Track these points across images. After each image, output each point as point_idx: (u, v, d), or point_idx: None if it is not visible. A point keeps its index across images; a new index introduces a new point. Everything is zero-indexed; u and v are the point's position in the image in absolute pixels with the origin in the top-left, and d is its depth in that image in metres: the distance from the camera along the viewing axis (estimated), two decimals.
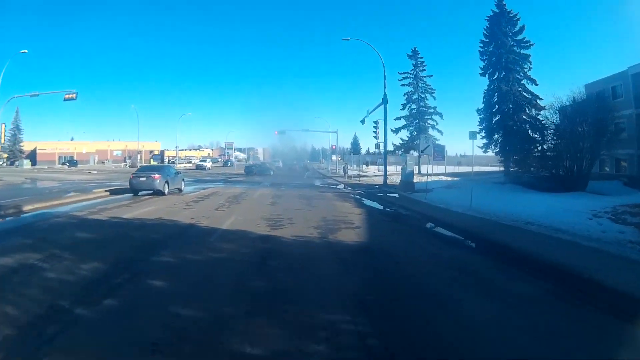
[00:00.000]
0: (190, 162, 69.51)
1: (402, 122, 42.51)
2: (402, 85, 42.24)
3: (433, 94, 42.27)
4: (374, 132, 28.14)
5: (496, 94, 28.56)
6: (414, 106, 42.12)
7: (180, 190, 17.55)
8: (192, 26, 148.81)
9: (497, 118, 28.72)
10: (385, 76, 23.26)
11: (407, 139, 42.11)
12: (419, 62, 42.08)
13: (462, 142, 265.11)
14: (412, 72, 42.07)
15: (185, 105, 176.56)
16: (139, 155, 62.27)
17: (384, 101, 23.72)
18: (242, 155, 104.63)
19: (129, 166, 60.74)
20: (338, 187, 25.18)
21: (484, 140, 29.45)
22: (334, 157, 53.75)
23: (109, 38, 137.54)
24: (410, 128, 42.26)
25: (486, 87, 29.55)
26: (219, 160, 79.93)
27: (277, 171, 44.60)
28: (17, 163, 65.50)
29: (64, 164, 68.06)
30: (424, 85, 42.23)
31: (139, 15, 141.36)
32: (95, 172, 42.77)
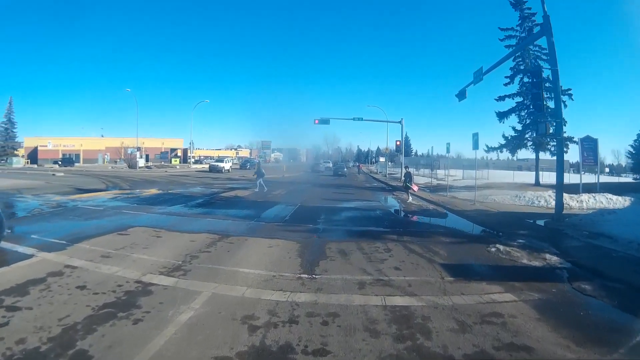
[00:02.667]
0: (202, 163, 68.43)
1: (509, 104, 33.71)
2: (506, 46, 33.37)
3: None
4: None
5: None
6: (526, 79, 32.78)
7: None
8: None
9: None
10: None
11: (518, 130, 33.24)
12: (526, 14, 32.97)
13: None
14: (519, 28, 33.26)
15: (222, 103, 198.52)
16: (137, 153, 59.18)
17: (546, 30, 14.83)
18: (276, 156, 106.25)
19: (129, 167, 58.93)
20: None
21: None
22: (382, 159, 50.90)
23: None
24: (522, 113, 33.28)
25: None
26: (255, 161, 76.74)
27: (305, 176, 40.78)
28: (8, 161, 66.19)
29: (55, 162, 67.71)
30: (537, 50, 32.90)
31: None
32: (62, 174, 41.36)
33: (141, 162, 65.36)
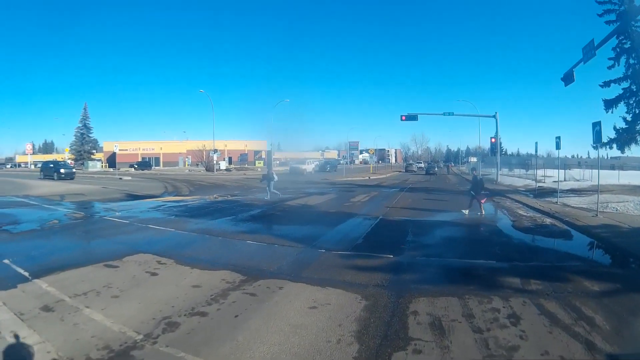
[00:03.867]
0: (286, 165, 67.66)
1: (615, 91, 27.51)
2: (606, 22, 27.16)
3: None
4: None
5: None
6: (632, 60, 26.21)
7: None
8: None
9: None
10: None
11: (628, 121, 26.67)
12: None
13: None
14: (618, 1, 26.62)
15: (309, 103, 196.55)
16: (214, 156, 59.28)
17: None
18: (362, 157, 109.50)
19: (207, 170, 59.60)
20: None
21: None
22: (473, 159, 54.50)
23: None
24: (631, 101, 26.65)
25: None
26: (341, 162, 76.15)
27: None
28: (84, 165, 70.27)
29: (131, 166, 70.78)
30: None
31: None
32: (129, 178, 43.36)
33: (223, 165, 65.96)
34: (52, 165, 43.21)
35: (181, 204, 19.55)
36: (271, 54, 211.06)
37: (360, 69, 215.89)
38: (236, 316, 5.51)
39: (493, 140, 41.99)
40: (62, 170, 41.27)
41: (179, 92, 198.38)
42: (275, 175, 22.61)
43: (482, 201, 16.33)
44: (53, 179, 39.56)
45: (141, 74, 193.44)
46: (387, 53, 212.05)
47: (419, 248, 10.04)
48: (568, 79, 21.16)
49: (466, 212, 16.08)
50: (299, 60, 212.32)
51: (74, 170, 44.71)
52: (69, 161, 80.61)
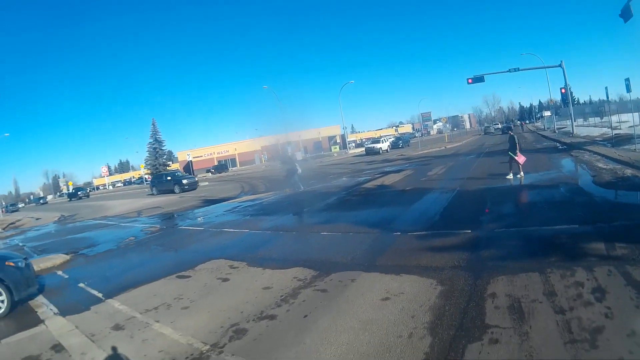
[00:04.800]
0: (364, 146, 67.93)
1: None
2: None
3: None
4: None
5: None
6: None
7: None
8: None
9: None
10: None
11: None
12: None
13: None
14: None
15: (376, 81, 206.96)
16: (289, 149, 60.12)
17: None
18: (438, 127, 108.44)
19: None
20: None
21: None
22: (547, 113, 56.53)
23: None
24: None
25: None
26: (416, 135, 75.15)
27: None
28: None
29: (208, 170, 73.98)
30: None
31: None
32: (206, 183, 44.67)
33: (299, 156, 66.79)
34: (169, 178, 38.26)
35: (256, 202, 20.11)
36: (331, 35, 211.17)
37: (421, 37, 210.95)
38: (305, 316, 5.49)
39: (563, 90, 41.60)
40: (184, 182, 36.39)
41: (246, 92, 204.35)
42: (299, 168, 22.50)
43: (521, 162, 15.54)
44: (173, 193, 35.46)
45: (204, 79, 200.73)
46: (446, 17, 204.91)
47: (497, 219, 9.69)
48: (626, 13, 20.64)
49: (510, 176, 15.46)
50: (359, 39, 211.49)
51: (196, 179, 40.07)
52: (146, 176, 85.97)
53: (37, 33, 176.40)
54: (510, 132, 17.03)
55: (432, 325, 4.70)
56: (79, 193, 69.98)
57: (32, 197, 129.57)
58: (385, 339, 4.56)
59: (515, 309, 4.83)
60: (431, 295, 5.58)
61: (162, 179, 39.39)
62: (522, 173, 15.37)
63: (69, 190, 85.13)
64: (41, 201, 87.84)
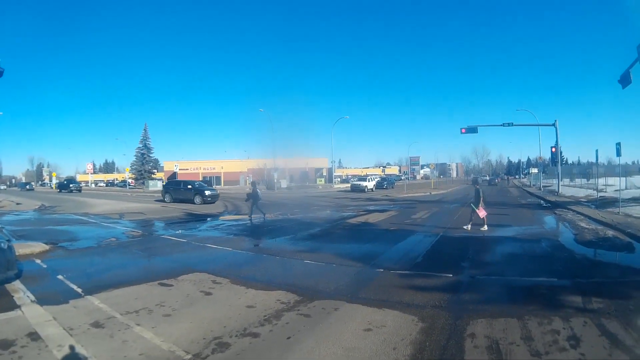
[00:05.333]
0: (349, 182, 69.42)
1: None
2: None
3: None
4: None
5: None
6: None
7: None
8: None
9: None
10: None
11: None
12: None
13: None
14: None
15: (369, 120, 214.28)
16: (275, 175, 60.67)
17: None
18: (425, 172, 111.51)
19: (267, 188, 61.14)
20: None
21: None
22: (534, 170, 59.16)
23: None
24: None
25: None
26: (402, 178, 76.53)
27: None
28: (145, 184, 73.94)
29: None
30: None
31: None
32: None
33: (284, 183, 67.29)
34: (189, 187, 34.85)
35: (240, 222, 20.08)
36: (327, 71, 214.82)
37: (418, 83, 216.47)
38: (288, 338, 5.54)
39: (554, 149, 42.30)
40: (207, 193, 33.58)
41: (239, 112, 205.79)
42: (260, 195, 22.38)
43: (481, 215, 16.05)
44: (192, 203, 32.70)
45: (200, 94, 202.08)
46: (446, 67, 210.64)
47: (479, 266, 10.04)
48: (625, 80, 21.12)
49: (467, 227, 15.96)
50: (355, 76, 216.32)
51: (218, 193, 36.19)
52: (130, 180, 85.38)
53: (40, 18, 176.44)
54: (477, 185, 17.40)
55: (413, 358, 4.85)
56: (70, 185, 66.80)
57: (13, 180, 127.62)
58: None
59: (493, 349, 5.05)
60: (412, 330, 5.73)
61: (180, 187, 35.79)
62: (485, 226, 15.70)
63: (53, 181, 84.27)
64: (27, 187, 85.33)
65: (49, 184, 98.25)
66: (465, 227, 15.84)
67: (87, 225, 18.97)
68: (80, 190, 65.62)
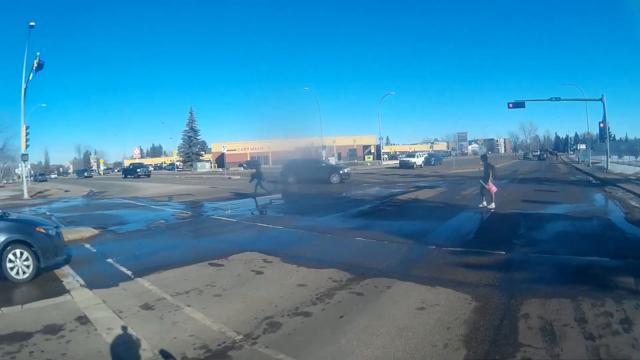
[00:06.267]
0: (397, 159, 69.82)
1: None
2: None
3: None
4: None
5: None
6: None
7: None
8: None
9: None
10: None
11: None
12: None
13: None
14: None
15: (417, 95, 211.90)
16: (323, 153, 60.70)
17: None
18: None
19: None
20: None
21: None
22: (582, 146, 59.14)
23: None
24: None
25: None
26: (450, 154, 75.43)
27: None
28: (193, 166, 75.50)
29: (240, 165, 75.64)
30: None
31: None
32: (238, 177, 46.38)
33: (332, 161, 67.54)
34: (323, 165, 32.46)
35: (289, 200, 20.30)
36: (375, 47, 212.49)
37: (465, 57, 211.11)
38: (341, 317, 5.40)
39: (602, 125, 40.03)
40: (344, 171, 31.23)
41: (286, 91, 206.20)
42: (264, 174, 23.28)
43: (493, 191, 15.37)
44: (329, 183, 29.58)
45: (246, 74, 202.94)
46: (494, 42, 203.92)
47: (531, 244, 9.71)
48: None
49: (483, 204, 15.31)
50: (404, 53, 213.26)
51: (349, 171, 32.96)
52: (178, 163, 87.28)
53: (87, 10, 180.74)
54: (486, 161, 16.65)
55: (467, 339, 4.69)
56: (138, 170, 63.49)
57: (61, 169, 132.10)
58: (420, 346, 4.50)
59: (547, 330, 4.84)
60: (466, 309, 5.53)
61: (312, 167, 31.69)
62: (493, 204, 15.01)
63: (101, 168, 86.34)
64: (85, 174, 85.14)
65: (96, 171, 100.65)
66: (480, 205, 15.27)
67: (136, 209, 19.46)
68: (149, 175, 62.47)
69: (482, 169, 16.54)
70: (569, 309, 5.47)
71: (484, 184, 15.55)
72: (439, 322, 5.12)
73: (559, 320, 5.10)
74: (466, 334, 4.76)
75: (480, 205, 15.24)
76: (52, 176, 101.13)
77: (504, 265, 7.74)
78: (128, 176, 63.43)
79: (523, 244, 9.52)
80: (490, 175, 15.47)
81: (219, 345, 4.70)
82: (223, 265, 8.44)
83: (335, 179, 30.12)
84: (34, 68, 26.34)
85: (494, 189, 15.37)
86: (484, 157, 17.29)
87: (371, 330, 4.95)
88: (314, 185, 27.53)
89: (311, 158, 38.87)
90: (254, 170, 23.22)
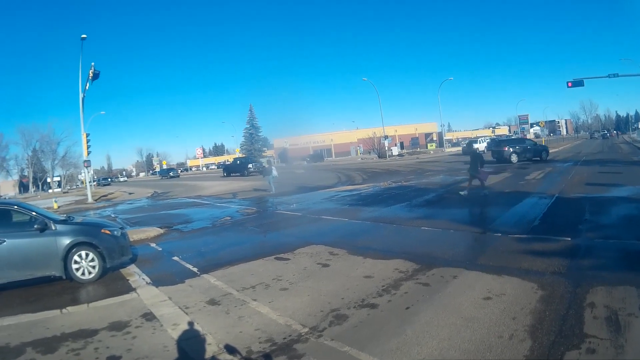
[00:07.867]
0: (460, 145, 69.79)
1: None
2: None
3: None
4: None
5: None
6: None
7: None
8: None
9: None
10: None
11: None
12: None
13: None
14: None
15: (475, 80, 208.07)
16: (385, 143, 60.12)
17: None
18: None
19: (379, 157, 61.11)
20: None
21: None
22: None
23: None
24: None
25: None
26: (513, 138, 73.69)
27: None
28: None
29: (303, 159, 77.30)
30: None
31: None
32: (302, 171, 43.73)
33: (395, 151, 67.20)
34: (530, 147, 32.06)
35: (354, 192, 20.24)
36: (431, 33, 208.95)
37: (521, 38, 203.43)
38: (407, 308, 5.36)
39: None
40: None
41: (345, 82, 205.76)
42: (275, 172, 23.99)
43: (485, 179, 15.57)
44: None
45: (306, 68, 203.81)
46: (549, 21, 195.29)
47: (597, 229, 9.41)
48: None
49: (464, 192, 15.82)
50: (462, 38, 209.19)
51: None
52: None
53: (143, 12, 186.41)
54: (473, 148, 17.04)
55: (533, 329, 4.63)
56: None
57: (124, 172, 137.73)
58: (486, 338, 4.45)
59: (612, 320, 4.71)
60: (532, 298, 5.44)
61: (518, 144, 31.75)
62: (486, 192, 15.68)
63: (161, 169, 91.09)
64: (170, 174, 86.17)
65: (157, 173, 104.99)
66: (461, 192, 15.76)
67: (201, 207, 20.04)
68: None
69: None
70: (634, 297, 5.31)
71: (472, 174, 15.75)
72: (505, 312, 5.04)
73: (624, 310, 4.94)
74: (532, 325, 4.71)
75: (462, 193, 15.64)
76: (121, 179, 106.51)
77: (570, 252, 7.63)
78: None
79: (588, 229, 9.31)
80: (479, 164, 15.60)
81: (285, 338, 4.74)
82: (289, 259, 8.53)
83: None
84: (90, 77, 27.77)
85: (486, 177, 15.81)
86: (469, 146, 17.65)
87: (437, 321, 4.90)
88: None
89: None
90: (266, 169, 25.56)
